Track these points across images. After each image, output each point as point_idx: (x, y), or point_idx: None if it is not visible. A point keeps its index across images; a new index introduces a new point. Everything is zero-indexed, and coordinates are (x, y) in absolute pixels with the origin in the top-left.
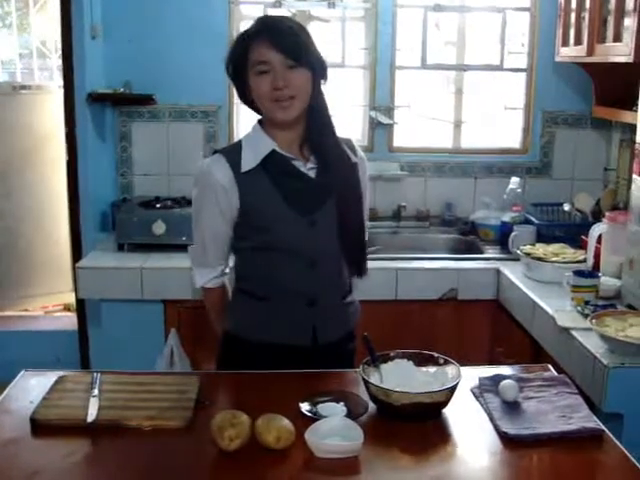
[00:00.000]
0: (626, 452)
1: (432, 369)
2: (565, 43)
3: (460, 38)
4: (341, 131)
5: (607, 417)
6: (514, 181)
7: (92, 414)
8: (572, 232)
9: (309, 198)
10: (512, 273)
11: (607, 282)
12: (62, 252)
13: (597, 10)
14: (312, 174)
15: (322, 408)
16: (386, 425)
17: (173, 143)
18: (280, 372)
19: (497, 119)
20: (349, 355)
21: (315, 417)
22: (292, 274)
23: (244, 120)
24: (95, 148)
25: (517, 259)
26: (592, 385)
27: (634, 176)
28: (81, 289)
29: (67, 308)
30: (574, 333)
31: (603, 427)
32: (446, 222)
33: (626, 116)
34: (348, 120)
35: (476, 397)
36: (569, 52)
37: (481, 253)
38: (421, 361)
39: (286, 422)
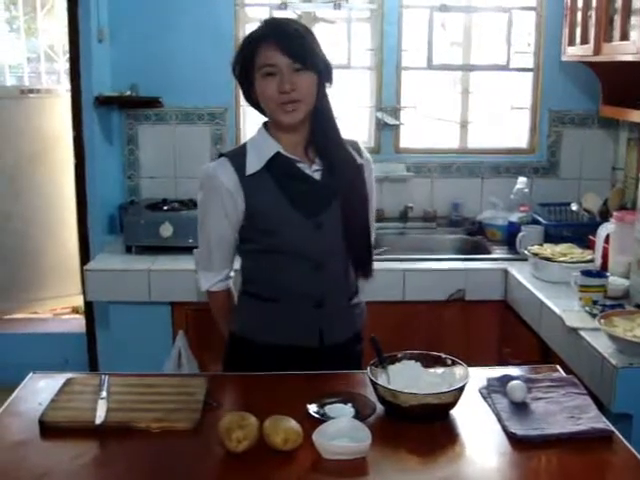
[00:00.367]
0: (635, 453)
1: (440, 370)
2: (572, 42)
3: (466, 38)
4: (347, 132)
5: (616, 418)
6: (521, 181)
7: (100, 416)
8: (580, 232)
9: (314, 200)
10: (520, 273)
11: (615, 282)
12: (70, 255)
13: (604, 9)
14: (317, 176)
15: (330, 409)
16: (394, 426)
17: (180, 146)
18: (288, 373)
19: (504, 119)
20: (356, 357)
21: (323, 418)
22: (298, 276)
23: (251, 122)
24: (102, 151)
25: (525, 259)
26: (601, 385)
27: None
28: (89, 291)
29: (75, 310)
30: (582, 333)
31: (612, 428)
32: (453, 223)
33: (633, 115)
34: (354, 121)
35: (484, 398)
36: (576, 51)
37: (488, 253)
38: (429, 362)
39: (294, 423)
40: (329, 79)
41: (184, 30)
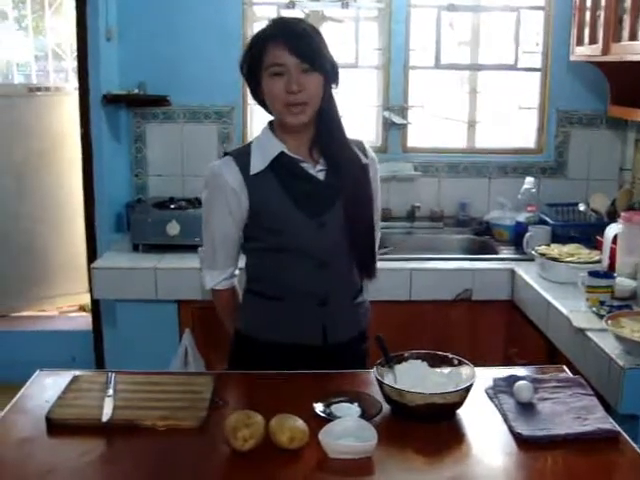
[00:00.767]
0: None
1: (446, 370)
2: (580, 42)
3: (474, 38)
4: (354, 132)
5: (623, 418)
6: (529, 181)
7: (107, 414)
8: (587, 232)
9: (318, 200)
10: (527, 273)
11: (622, 283)
12: (78, 253)
13: (612, 8)
14: (321, 176)
15: (336, 409)
16: (400, 426)
17: (187, 144)
18: (294, 372)
19: (511, 119)
20: (361, 356)
21: (329, 418)
22: (302, 275)
23: (258, 121)
24: (110, 149)
25: (532, 259)
26: (608, 386)
27: None
28: (96, 289)
29: (82, 309)
30: (589, 334)
31: (619, 428)
32: (460, 222)
33: None
34: (362, 120)
35: (490, 398)
36: (584, 51)
37: (495, 253)
38: (435, 362)
39: (300, 422)
40: (336, 80)
41: (192, 29)
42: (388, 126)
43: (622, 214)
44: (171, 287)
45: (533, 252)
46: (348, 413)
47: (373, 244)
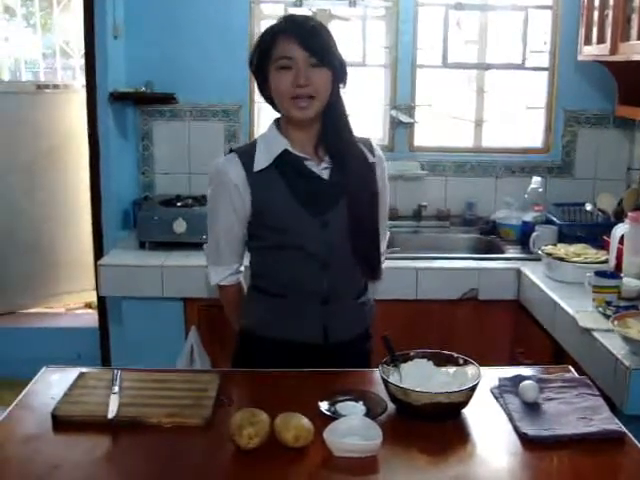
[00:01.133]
0: None
1: (452, 369)
2: (588, 41)
3: (481, 36)
4: (361, 130)
5: (629, 419)
6: (535, 181)
7: (112, 411)
8: (594, 232)
9: (321, 199)
10: (533, 273)
11: (629, 283)
12: (85, 250)
13: (621, 8)
14: (325, 174)
15: (341, 407)
16: (405, 425)
17: (194, 142)
18: (299, 370)
19: (518, 118)
20: (364, 355)
21: (334, 416)
22: (305, 273)
23: (265, 119)
24: (117, 147)
25: (538, 259)
26: (614, 387)
27: None
28: (102, 287)
29: (88, 306)
30: (596, 334)
31: (624, 429)
32: (467, 222)
33: None
34: (369, 119)
35: (496, 398)
36: (592, 51)
37: (502, 253)
38: (441, 361)
39: (305, 421)
40: (344, 79)
41: (199, 27)
42: (395, 125)
43: (629, 214)
44: (177, 285)
45: (539, 252)
46: (353, 412)
47: (377, 245)
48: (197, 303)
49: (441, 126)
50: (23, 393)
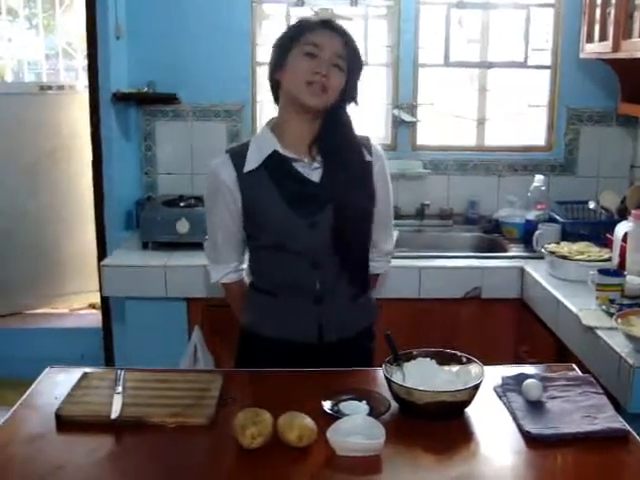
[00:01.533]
0: None
1: (455, 368)
2: (590, 39)
3: (483, 35)
4: (363, 129)
5: (632, 417)
6: (538, 179)
7: (116, 411)
8: (597, 230)
9: (309, 200)
10: (536, 272)
11: (633, 281)
12: (89, 251)
13: (623, 5)
14: (316, 175)
15: (344, 406)
16: (408, 424)
17: (197, 142)
18: (302, 370)
19: (521, 116)
20: (367, 353)
21: (337, 415)
22: (297, 273)
23: (267, 119)
24: (120, 147)
25: (541, 257)
26: (617, 385)
27: None
28: (105, 287)
29: (92, 306)
30: (599, 332)
31: (628, 428)
32: (470, 220)
33: None
34: (371, 118)
35: (499, 396)
36: (594, 48)
37: (505, 251)
38: (444, 360)
39: (308, 420)
40: (351, 95)
41: (201, 27)
42: (397, 124)
43: (632, 212)
44: (180, 285)
45: (543, 250)
46: (356, 411)
47: (366, 255)
48: (200, 303)
49: (443, 125)
50: (27, 393)
